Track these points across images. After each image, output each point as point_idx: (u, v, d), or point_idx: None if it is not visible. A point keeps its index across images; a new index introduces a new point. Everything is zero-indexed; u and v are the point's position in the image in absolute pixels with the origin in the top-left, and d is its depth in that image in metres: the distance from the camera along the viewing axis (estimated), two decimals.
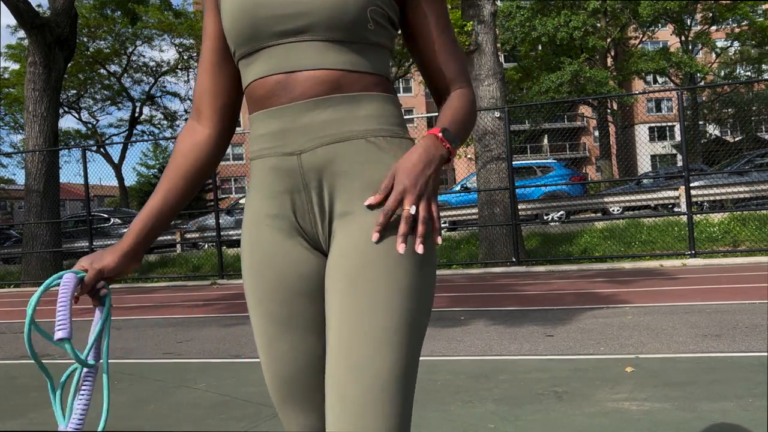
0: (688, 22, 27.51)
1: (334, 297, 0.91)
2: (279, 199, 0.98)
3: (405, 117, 1.05)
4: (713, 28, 27.90)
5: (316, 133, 0.94)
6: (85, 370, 0.94)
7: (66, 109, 28.97)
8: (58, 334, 0.87)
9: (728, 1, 24.56)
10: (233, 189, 33.90)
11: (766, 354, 3.37)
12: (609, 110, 25.80)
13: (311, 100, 0.94)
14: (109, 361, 4.24)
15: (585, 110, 40.41)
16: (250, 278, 1.00)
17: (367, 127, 0.96)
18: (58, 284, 0.93)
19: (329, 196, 0.95)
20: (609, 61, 26.16)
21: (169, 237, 14.40)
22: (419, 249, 0.89)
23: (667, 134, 38.55)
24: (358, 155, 0.95)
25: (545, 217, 13.39)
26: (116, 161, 30.10)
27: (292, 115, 0.95)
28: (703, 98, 29.93)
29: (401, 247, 0.89)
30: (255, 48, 0.96)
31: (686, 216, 8.33)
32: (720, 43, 29.54)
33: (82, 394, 0.94)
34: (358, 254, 0.91)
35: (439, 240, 0.93)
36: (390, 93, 1.01)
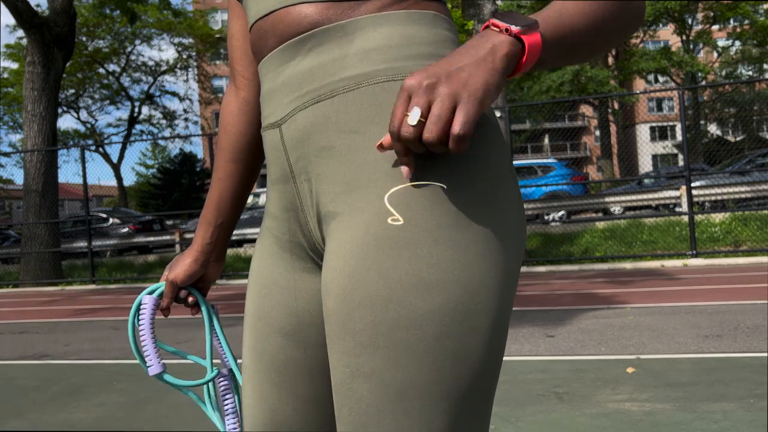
0: (690, 22, 27.50)
1: (332, 357, 0.64)
2: (276, 191, 0.74)
3: None
4: (715, 27, 27.90)
5: (294, 92, 0.67)
6: (219, 379, 0.89)
7: (65, 108, 29.00)
8: (151, 371, 0.84)
9: (729, 1, 24.54)
10: None
11: (767, 354, 3.35)
12: (610, 110, 25.79)
13: (289, 43, 0.67)
14: (109, 361, 4.23)
15: (586, 110, 40.41)
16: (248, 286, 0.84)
17: (363, 69, 0.63)
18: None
19: (315, 185, 0.67)
20: (610, 60, 26.14)
21: (168, 237, 14.40)
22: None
23: (669, 134, 38.54)
24: (347, 119, 0.63)
25: (546, 217, 13.38)
26: (115, 161, 30.12)
27: (271, 69, 0.69)
28: (705, 98, 29.92)
29: (407, 173, 0.59)
30: None
31: (687, 216, 8.31)
32: (721, 43, 29.54)
33: (226, 401, 0.88)
34: (341, 293, 0.61)
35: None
36: (421, 7, 0.65)
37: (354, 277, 0.60)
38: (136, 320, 0.86)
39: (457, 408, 0.59)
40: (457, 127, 0.54)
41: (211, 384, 0.88)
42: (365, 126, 0.62)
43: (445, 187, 0.60)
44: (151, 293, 0.88)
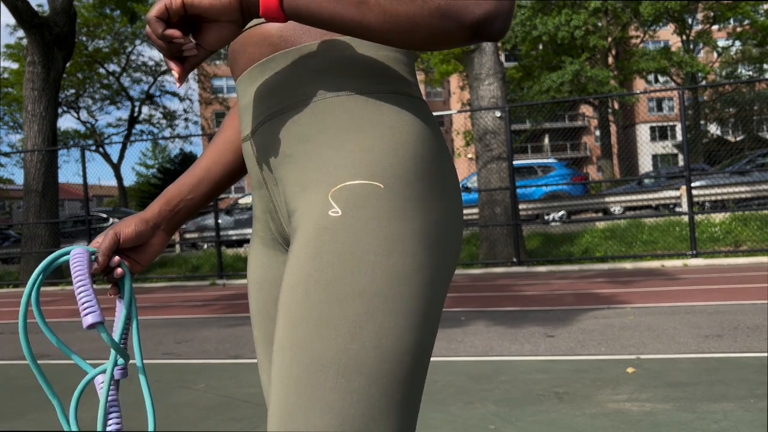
0: (690, 22, 27.49)
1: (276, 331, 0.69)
2: (257, 197, 0.82)
3: None
4: (715, 27, 27.89)
5: (259, 107, 0.76)
6: (112, 367, 0.77)
7: (65, 108, 28.99)
8: (88, 319, 0.70)
9: (729, 1, 24.54)
10: (233, 189, 33.90)
11: (767, 354, 3.35)
12: (610, 110, 25.79)
13: (255, 65, 0.76)
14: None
15: (586, 110, 40.39)
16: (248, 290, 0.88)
17: (313, 87, 0.72)
18: (63, 262, 0.76)
19: (281, 188, 0.75)
20: (610, 60, 26.14)
21: None
22: None
23: (669, 134, 38.54)
24: (300, 130, 0.72)
25: (546, 217, 13.38)
26: (115, 161, 30.12)
27: (243, 87, 0.78)
28: (705, 98, 29.91)
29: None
30: None
31: (687, 216, 8.31)
32: (721, 43, 29.53)
33: (112, 393, 0.78)
34: (285, 280, 0.69)
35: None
36: None
37: (296, 260, 0.68)
38: (51, 266, 0.74)
39: (371, 388, 0.63)
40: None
41: (109, 371, 0.77)
42: (314, 135, 0.71)
43: (382, 186, 0.67)
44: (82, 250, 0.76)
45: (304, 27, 0.73)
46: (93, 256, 0.78)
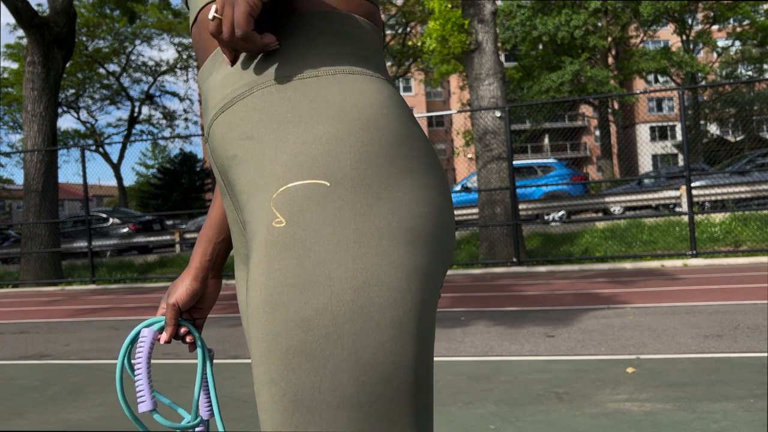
0: (690, 22, 27.50)
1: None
2: (226, 208, 0.75)
3: None
4: (714, 27, 27.91)
5: (210, 105, 0.68)
6: (199, 428, 0.85)
7: (65, 108, 29.00)
8: (142, 407, 0.79)
9: (729, 1, 24.54)
10: None
11: (767, 354, 3.35)
12: (610, 110, 25.79)
13: (208, 59, 0.69)
14: (109, 361, 4.22)
15: (586, 110, 40.40)
16: None
17: (255, 75, 0.64)
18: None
19: (235, 194, 0.68)
20: (610, 60, 26.14)
21: (168, 237, 14.40)
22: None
23: (669, 134, 38.54)
24: (243, 126, 0.64)
25: (546, 217, 13.38)
26: (115, 161, 30.13)
27: (201, 84, 0.71)
28: (705, 98, 29.92)
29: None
30: None
31: (687, 216, 8.31)
32: (721, 43, 29.53)
33: None
34: (247, 298, 0.62)
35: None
36: (330, 6, 0.66)
37: (251, 286, 0.60)
38: (127, 357, 0.82)
39: (362, 415, 0.56)
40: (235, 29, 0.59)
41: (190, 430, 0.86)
42: (257, 130, 0.62)
43: (327, 183, 0.58)
44: (149, 326, 0.83)
45: None
46: (160, 327, 0.85)
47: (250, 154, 0.63)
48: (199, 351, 0.86)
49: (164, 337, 0.83)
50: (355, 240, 0.57)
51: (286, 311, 0.57)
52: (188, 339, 0.85)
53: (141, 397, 0.79)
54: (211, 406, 0.86)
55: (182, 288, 0.85)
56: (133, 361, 0.83)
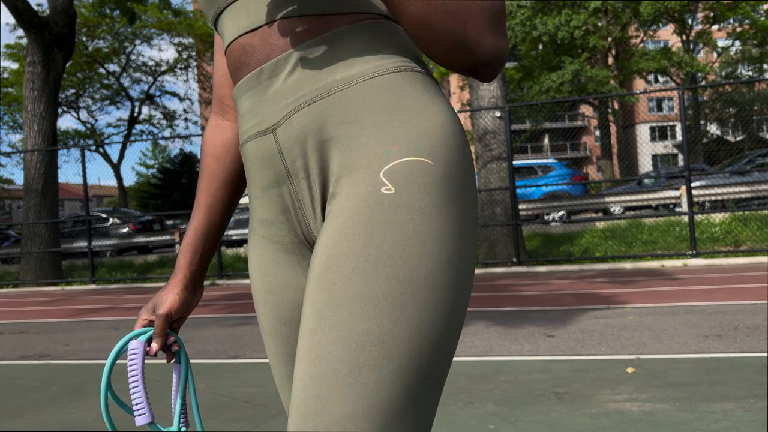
0: (690, 22, 27.50)
1: (300, 330, 0.67)
2: (268, 198, 0.77)
3: None
4: (714, 27, 27.91)
5: (288, 97, 0.72)
6: None
7: (65, 108, 29.00)
8: (139, 420, 0.79)
9: (729, 1, 24.54)
10: None
11: (767, 354, 3.35)
12: (610, 110, 25.79)
13: (278, 58, 0.73)
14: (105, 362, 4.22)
15: (586, 110, 40.40)
16: (255, 302, 0.85)
17: (352, 71, 0.70)
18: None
19: (320, 180, 0.72)
20: (610, 60, 26.14)
21: (168, 237, 14.40)
22: None
23: (669, 134, 38.54)
24: (344, 113, 0.70)
25: (546, 217, 13.38)
26: (115, 161, 30.13)
27: (260, 82, 0.75)
28: (705, 98, 29.92)
29: None
30: (220, 7, 0.77)
31: (687, 216, 8.31)
32: (721, 43, 29.53)
33: None
34: (326, 253, 0.66)
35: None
36: (382, 19, 0.74)
37: (339, 234, 0.66)
38: (111, 367, 0.80)
39: (399, 380, 0.62)
40: None
41: None
42: (360, 116, 0.69)
43: (431, 162, 0.67)
44: (136, 337, 0.82)
45: (327, 19, 0.72)
46: (148, 338, 0.84)
47: (354, 135, 0.69)
48: (182, 360, 0.85)
49: (154, 347, 0.83)
50: (443, 220, 0.66)
51: (373, 267, 0.63)
52: (174, 348, 0.86)
53: (140, 409, 0.79)
54: (186, 419, 0.86)
55: (173, 298, 0.87)
56: (127, 372, 0.83)
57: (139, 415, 0.79)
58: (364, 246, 0.64)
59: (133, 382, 0.80)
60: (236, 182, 0.91)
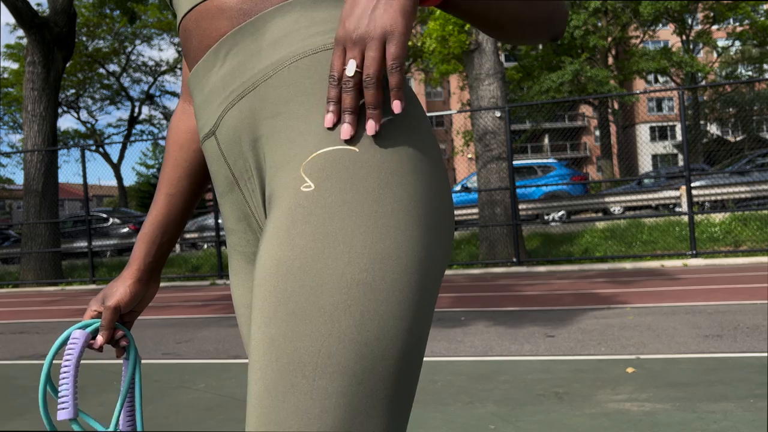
0: (690, 22, 27.50)
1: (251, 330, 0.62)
2: (227, 204, 0.73)
3: None
4: (714, 27, 27.90)
5: (221, 95, 0.67)
6: None
7: (65, 108, 29.00)
8: (61, 414, 0.73)
9: (729, 1, 24.54)
10: None
11: (767, 354, 3.35)
12: (610, 110, 25.79)
13: (210, 51, 0.67)
14: (109, 361, 4.22)
15: (586, 110, 40.41)
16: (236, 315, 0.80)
17: (276, 56, 0.64)
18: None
19: (259, 182, 0.66)
20: (610, 60, 26.14)
21: None
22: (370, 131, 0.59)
23: (669, 134, 38.54)
24: (269, 106, 0.64)
25: (546, 217, 13.38)
26: (115, 161, 30.15)
27: (199, 81, 0.70)
28: (705, 98, 29.92)
29: (346, 132, 0.59)
30: None
31: (687, 216, 8.31)
32: (721, 43, 29.53)
33: None
34: (258, 265, 0.60)
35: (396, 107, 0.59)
36: None
37: (267, 246, 0.59)
38: (51, 360, 0.76)
39: (353, 388, 0.55)
40: (390, 61, 0.56)
41: None
42: (283, 107, 0.63)
43: (356, 150, 0.59)
44: (83, 328, 0.78)
45: None
46: (93, 330, 0.79)
47: (278, 129, 0.63)
48: (130, 356, 0.82)
49: (100, 340, 0.79)
50: (376, 210, 0.58)
51: (300, 274, 0.56)
52: (123, 343, 0.82)
53: (64, 403, 0.74)
54: (133, 418, 0.81)
55: (123, 290, 0.82)
56: (57, 361, 0.79)
57: (62, 409, 0.74)
58: (288, 256, 0.57)
59: (64, 373, 0.75)
60: (200, 172, 0.85)
